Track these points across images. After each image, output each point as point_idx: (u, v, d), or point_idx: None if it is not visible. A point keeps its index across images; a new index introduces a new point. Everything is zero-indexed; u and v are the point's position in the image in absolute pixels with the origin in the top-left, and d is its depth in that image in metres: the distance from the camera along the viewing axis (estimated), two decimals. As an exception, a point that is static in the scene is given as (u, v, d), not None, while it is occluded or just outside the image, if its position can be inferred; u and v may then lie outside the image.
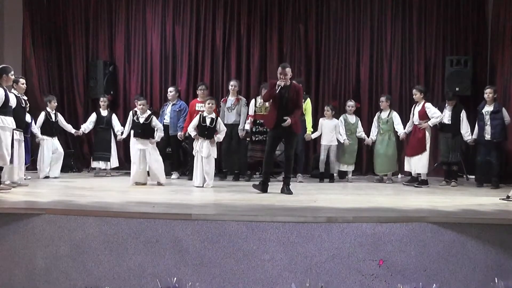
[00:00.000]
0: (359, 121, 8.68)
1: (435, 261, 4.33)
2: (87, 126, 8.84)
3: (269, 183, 6.61)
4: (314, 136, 8.34)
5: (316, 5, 9.77)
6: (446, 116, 7.99)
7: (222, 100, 8.41)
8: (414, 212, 4.96)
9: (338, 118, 8.47)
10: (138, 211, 4.71)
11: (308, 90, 9.22)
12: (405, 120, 8.40)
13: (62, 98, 9.82)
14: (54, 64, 9.96)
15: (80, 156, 9.86)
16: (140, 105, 7.40)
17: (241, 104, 8.25)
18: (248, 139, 8.24)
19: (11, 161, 6.30)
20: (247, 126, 8.13)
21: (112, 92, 9.74)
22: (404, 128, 8.23)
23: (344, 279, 4.28)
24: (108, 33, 10.10)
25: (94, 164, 8.85)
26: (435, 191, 7.23)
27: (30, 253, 4.45)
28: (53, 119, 8.35)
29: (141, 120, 7.38)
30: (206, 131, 7.17)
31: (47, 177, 8.05)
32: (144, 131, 7.35)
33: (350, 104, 8.61)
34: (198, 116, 7.35)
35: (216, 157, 7.32)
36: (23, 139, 6.85)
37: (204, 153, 7.11)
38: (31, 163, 8.17)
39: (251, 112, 8.17)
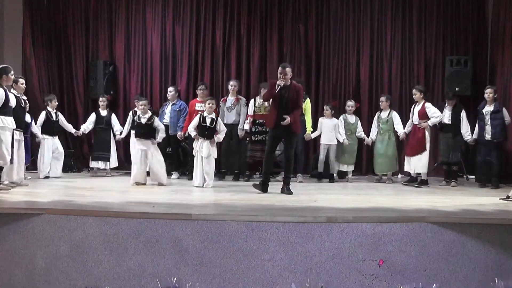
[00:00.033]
0: (359, 121, 8.68)
1: (435, 261, 4.33)
2: (87, 126, 8.84)
3: (269, 183, 6.61)
4: (313, 135, 8.34)
5: (316, 5, 9.77)
6: (446, 116, 7.99)
7: (221, 100, 8.41)
8: (414, 212, 4.96)
9: (338, 118, 8.47)
10: (138, 211, 4.71)
11: (308, 90, 9.23)
12: (405, 120, 8.40)
13: (62, 98, 9.80)
14: (54, 64, 9.95)
15: (80, 156, 9.86)
16: (141, 105, 7.40)
17: (240, 104, 8.25)
18: (247, 139, 8.24)
19: (11, 161, 6.30)
20: (246, 126, 8.14)
21: (112, 92, 9.74)
22: (404, 128, 8.24)
23: (344, 279, 4.28)
24: (108, 33, 10.09)
25: (93, 164, 8.85)
26: (435, 191, 7.23)
27: (30, 253, 4.45)
28: (54, 118, 8.36)
29: (143, 121, 7.38)
30: (206, 131, 7.17)
31: (47, 177, 8.05)
32: (146, 131, 7.35)
33: (350, 104, 8.61)
34: (198, 116, 7.35)
35: (216, 157, 7.33)
36: (23, 139, 6.85)
37: (204, 153, 7.11)
38: (31, 163, 8.17)
39: (250, 112, 8.17)
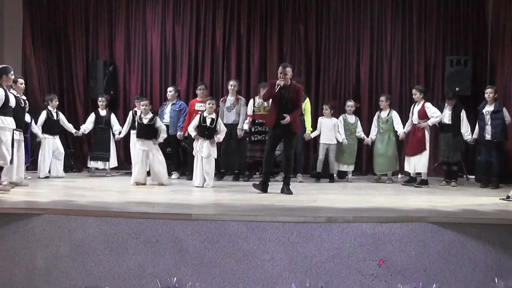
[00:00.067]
0: (359, 121, 8.68)
1: (435, 261, 4.33)
2: (87, 126, 8.83)
3: (269, 183, 6.61)
4: (313, 135, 8.34)
5: (316, 5, 9.77)
6: (446, 116, 7.99)
7: (221, 100, 8.40)
8: (414, 212, 4.96)
9: (337, 118, 8.47)
10: (138, 211, 4.71)
11: (308, 90, 9.23)
12: (404, 119, 8.40)
13: (62, 98, 9.78)
14: (54, 64, 9.95)
15: (80, 156, 9.85)
16: (143, 105, 7.39)
17: (240, 104, 8.25)
18: (247, 139, 8.24)
19: (11, 161, 6.30)
20: (246, 126, 8.13)
21: (112, 92, 9.73)
22: (404, 128, 8.24)
23: (344, 279, 4.28)
24: (108, 33, 10.09)
25: (92, 163, 8.84)
26: (435, 191, 7.23)
27: (30, 253, 4.45)
28: (55, 118, 8.36)
29: (145, 121, 7.38)
30: (206, 131, 7.17)
31: (47, 177, 8.05)
32: (147, 132, 7.34)
33: (350, 104, 8.61)
34: (198, 116, 7.35)
35: (216, 157, 7.33)
36: (23, 139, 6.85)
37: (204, 153, 7.11)
38: (31, 163, 8.17)
39: (249, 112, 8.17)
